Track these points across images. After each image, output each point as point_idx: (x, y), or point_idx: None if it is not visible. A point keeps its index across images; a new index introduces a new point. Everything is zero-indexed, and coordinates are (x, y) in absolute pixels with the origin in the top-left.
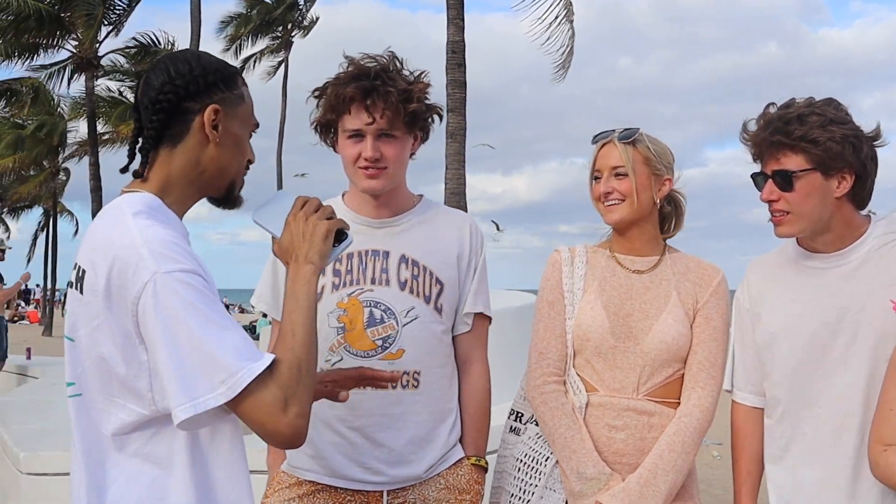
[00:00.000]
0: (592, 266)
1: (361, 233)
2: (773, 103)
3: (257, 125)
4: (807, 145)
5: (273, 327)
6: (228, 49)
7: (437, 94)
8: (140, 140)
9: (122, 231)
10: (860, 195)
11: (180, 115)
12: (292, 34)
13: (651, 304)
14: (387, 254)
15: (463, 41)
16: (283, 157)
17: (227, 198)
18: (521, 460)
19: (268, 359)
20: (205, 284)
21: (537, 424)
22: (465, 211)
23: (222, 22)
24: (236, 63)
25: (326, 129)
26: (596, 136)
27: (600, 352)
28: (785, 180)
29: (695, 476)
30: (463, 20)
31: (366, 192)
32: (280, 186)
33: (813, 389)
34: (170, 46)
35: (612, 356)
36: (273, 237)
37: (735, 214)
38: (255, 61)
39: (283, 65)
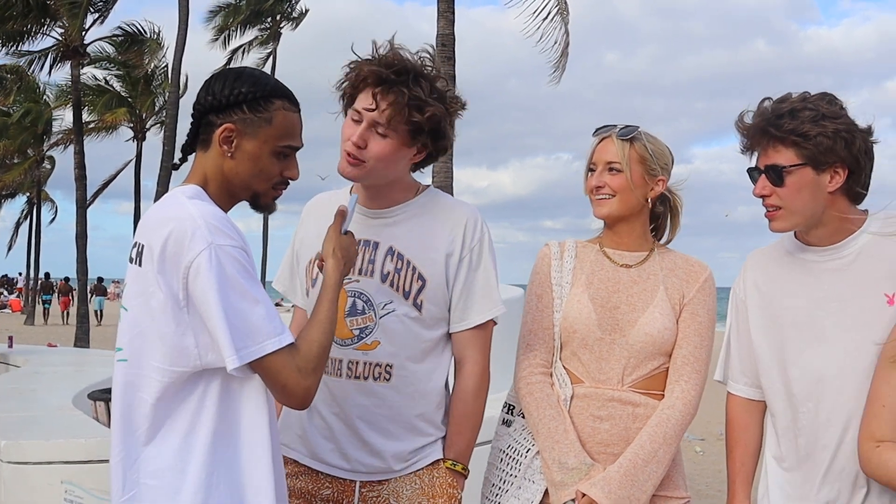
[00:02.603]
0: (581, 260)
1: (358, 222)
2: (768, 97)
3: (292, 147)
4: (797, 139)
5: (295, 312)
6: (217, 39)
7: None
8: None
9: (179, 209)
10: (854, 189)
11: (206, 125)
12: (281, 25)
13: (638, 297)
14: (376, 244)
15: (453, 34)
16: None
17: (255, 205)
18: (505, 451)
19: (292, 335)
20: (248, 261)
21: (524, 417)
22: None
23: (211, 12)
24: (224, 53)
25: (346, 99)
26: (597, 129)
27: (587, 343)
28: (776, 175)
29: (681, 467)
30: (453, 13)
31: (340, 174)
32: None
33: (805, 383)
34: (156, 36)
35: (599, 348)
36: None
37: (718, 212)
38: (243, 52)
39: (271, 56)
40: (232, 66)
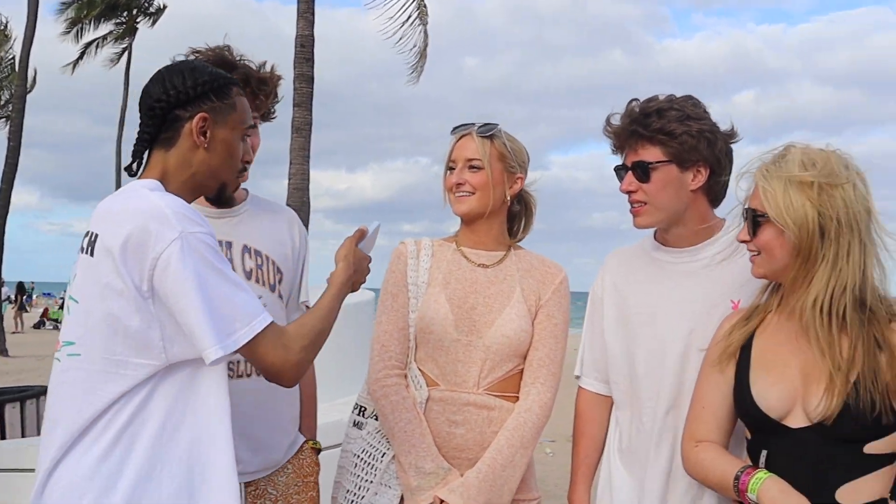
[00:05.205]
0: (438, 259)
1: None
2: (636, 98)
3: (252, 128)
4: (663, 137)
5: None
6: (69, 33)
7: (285, 87)
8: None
9: (143, 200)
10: (714, 189)
11: (172, 121)
12: (137, 21)
13: (495, 298)
14: (230, 244)
15: (312, 35)
16: (122, 146)
17: (219, 198)
18: (359, 456)
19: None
20: (218, 248)
21: (377, 419)
22: (308, 207)
23: (63, 3)
24: (77, 47)
25: None
26: (456, 127)
27: (443, 345)
28: (643, 171)
29: (533, 469)
30: (313, 14)
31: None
32: (118, 174)
33: (648, 384)
34: (2, 27)
35: (455, 349)
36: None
37: (574, 218)
38: (97, 47)
39: (126, 52)
40: (85, 61)
